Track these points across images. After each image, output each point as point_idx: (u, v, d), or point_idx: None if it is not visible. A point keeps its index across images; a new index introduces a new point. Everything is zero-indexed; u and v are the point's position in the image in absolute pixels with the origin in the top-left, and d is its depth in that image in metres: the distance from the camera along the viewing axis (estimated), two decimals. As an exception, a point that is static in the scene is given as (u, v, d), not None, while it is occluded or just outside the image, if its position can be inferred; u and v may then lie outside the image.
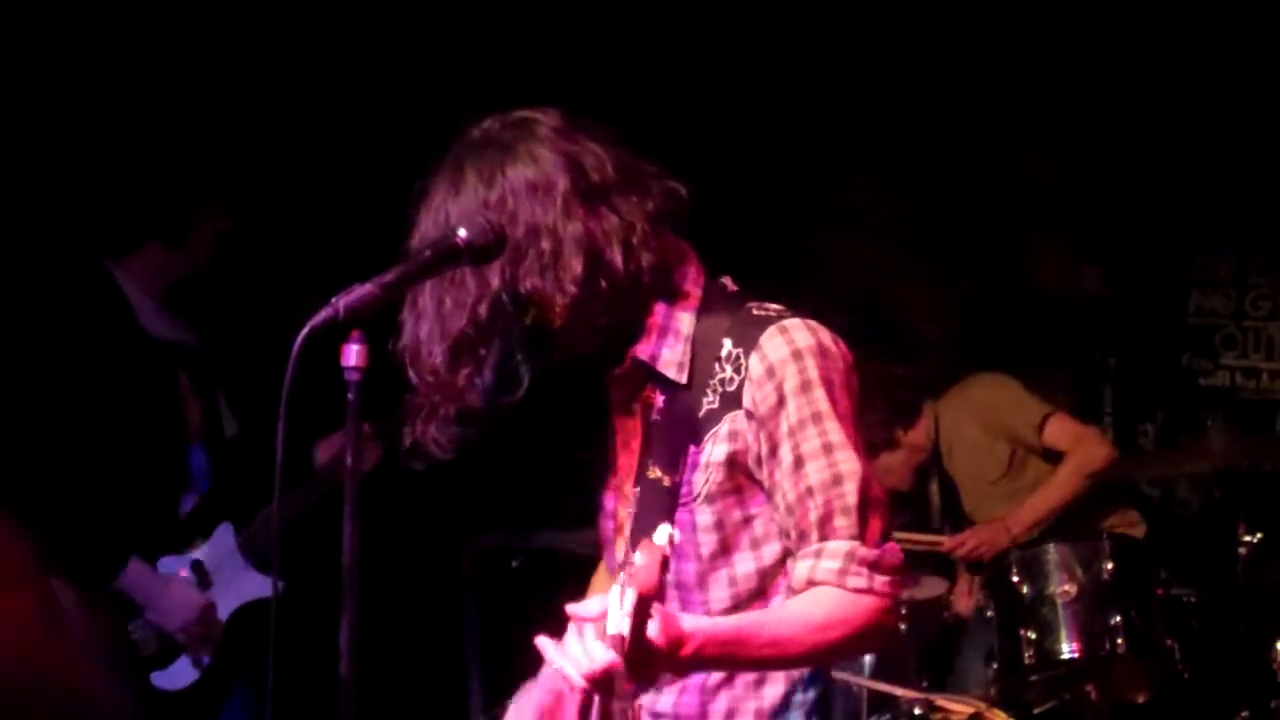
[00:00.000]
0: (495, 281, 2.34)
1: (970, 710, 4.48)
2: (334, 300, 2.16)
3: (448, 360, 2.37)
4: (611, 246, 2.36)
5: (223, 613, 4.36)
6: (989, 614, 4.79)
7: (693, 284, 2.47)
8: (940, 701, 4.53)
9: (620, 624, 2.03)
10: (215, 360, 4.60)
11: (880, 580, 2.34)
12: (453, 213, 2.35)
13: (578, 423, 2.76)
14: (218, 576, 4.37)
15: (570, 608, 2.22)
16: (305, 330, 2.14)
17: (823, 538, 2.34)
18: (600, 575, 2.80)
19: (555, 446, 5.44)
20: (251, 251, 5.11)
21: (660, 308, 2.44)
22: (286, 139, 5.53)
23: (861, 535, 2.34)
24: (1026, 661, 4.64)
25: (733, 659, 2.29)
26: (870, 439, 5.20)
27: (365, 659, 2.26)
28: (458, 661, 5.90)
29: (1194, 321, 6.37)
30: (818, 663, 2.45)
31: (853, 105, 6.19)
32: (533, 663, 2.72)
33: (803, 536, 2.36)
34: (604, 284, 2.35)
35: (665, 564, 2.06)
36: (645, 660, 2.08)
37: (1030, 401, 5.26)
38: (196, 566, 4.35)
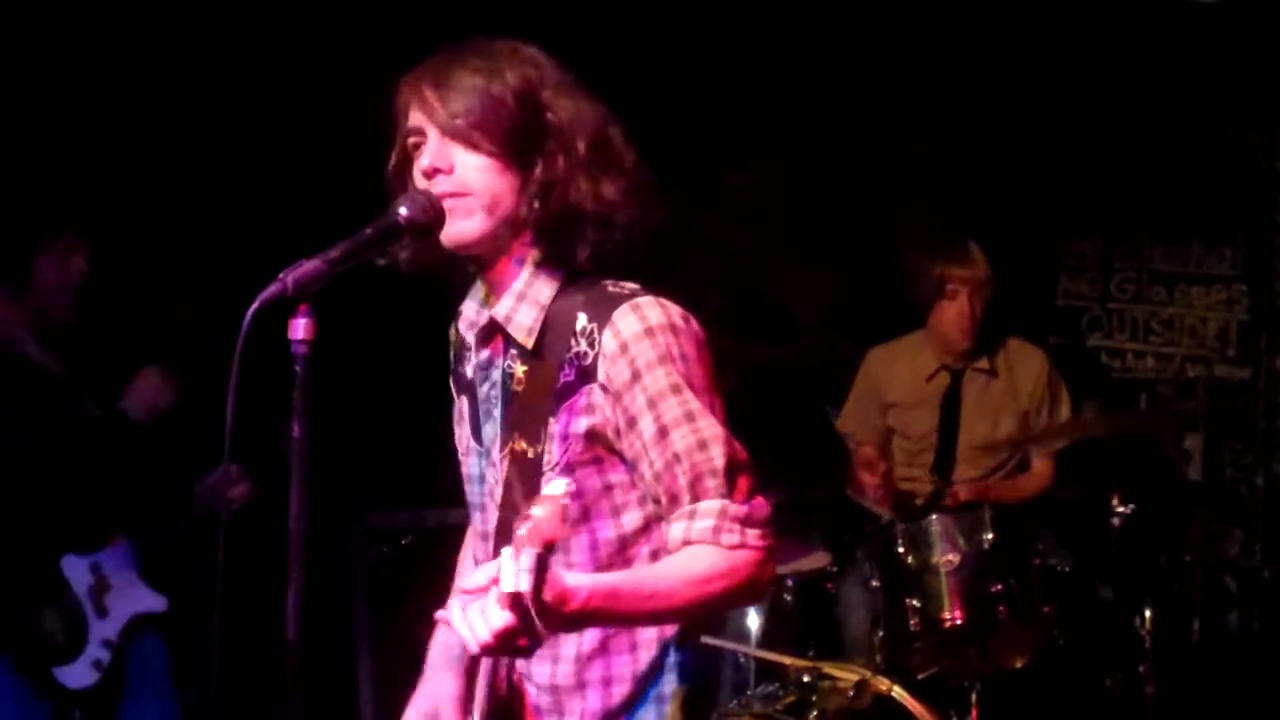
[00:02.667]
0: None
1: (856, 677, 4.57)
2: (281, 275, 2.21)
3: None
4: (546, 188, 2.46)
5: (117, 620, 4.42)
6: (874, 584, 4.92)
7: (560, 260, 2.52)
8: (827, 669, 4.62)
9: (517, 580, 2.05)
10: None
11: (753, 534, 2.41)
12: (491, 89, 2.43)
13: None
14: (115, 582, 4.44)
15: (458, 583, 2.25)
16: (254, 305, 2.18)
17: (694, 499, 2.41)
18: (468, 542, 2.86)
19: (438, 422, 5.52)
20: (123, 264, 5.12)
21: (523, 269, 2.52)
22: (140, 151, 5.50)
23: (730, 493, 2.42)
24: (911, 629, 4.76)
25: (615, 613, 2.32)
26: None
27: (255, 640, 2.33)
28: (346, 641, 5.93)
29: (1062, 303, 6.58)
30: (698, 615, 2.52)
31: (736, 93, 6.29)
32: (422, 641, 2.79)
33: (674, 500, 2.42)
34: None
35: (565, 514, 2.10)
36: (540, 616, 2.11)
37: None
38: (95, 569, 4.41)
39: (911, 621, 4.76)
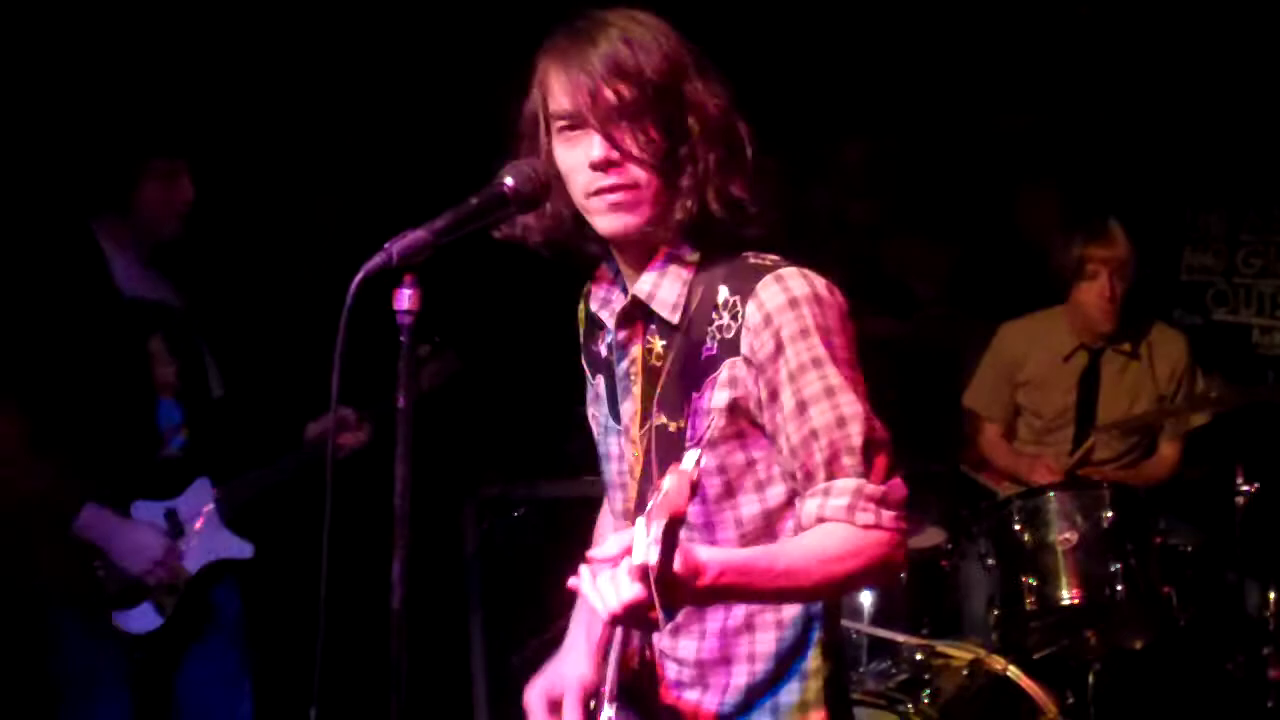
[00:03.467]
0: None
1: (970, 656, 4.53)
2: (387, 245, 2.21)
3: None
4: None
5: (192, 565, 4.40)
6: (990, 561, 4.86)
7: (697, 241, 2.51)
8: (940, 647, 4.59)
9: (648, 553, 2.05)
10: (202, 323, 4.63)
11: (887, 515, 2.39)
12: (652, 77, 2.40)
13: (578, 374, 2.82)
14: (190, 528, 4.42)
15: (590, 552, 2.24)
16: (360, 274, 2.19)
17: (829, 477, 2.39)
18: (603, 520, 2.87)
19: (555, 397, 5.53)
20: (247, 222, 5.15)
21: (670, 247, 2.49)
22: (269, 106, 5.55)
23: (867, 473, 2.39)
24: (1027, 608, 4.70)
25: (747, 589, 2.31)
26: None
27: (370, 612, 2.33)
28: (461, 613, 5.97)
29: (1186, 278, 6.45)
30: (829, 595, 2.50)
31: (848, 67, 6.24)
32: (535, 612, 2.79)
33: (809, 477, 2.40)
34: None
35: (694, 489, 2.08)
36: (670, 589, 2.10)
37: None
38: (170, 515, 4.39)
39: (1028, 600, 4.70)
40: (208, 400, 4.59)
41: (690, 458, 2.11)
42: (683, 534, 2.43)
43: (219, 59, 5.39)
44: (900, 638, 4.58)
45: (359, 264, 2.21)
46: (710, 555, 2.23)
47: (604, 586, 2.15)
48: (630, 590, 2.11)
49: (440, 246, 2.26)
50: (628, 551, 2.11)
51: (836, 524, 2.37)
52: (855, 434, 2.39)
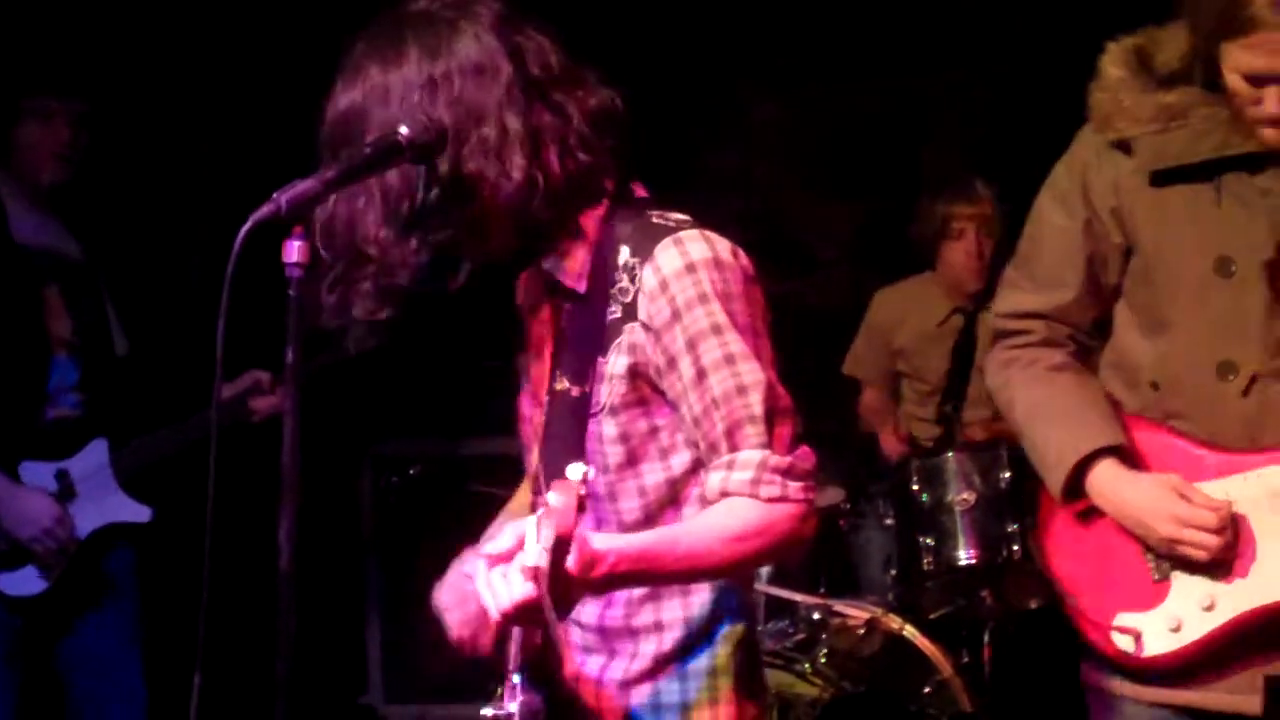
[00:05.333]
0: (440, 165, 2.29)
1: (867, 616, 4.56)
2: (275, 195, 2.11)
3: (390, 235, 2.32)
4: (549, 144, 2.33)
5: (83, 529, 4.27)
6: (888, 522, 4.88)
7: (604, 188, 2.43)
8: (838, 607, 4.61)
9: (538, 557, 2.00)
10: (107, 277, 4.50)
11: (794, 486, 2.32)
12: (393, 85, 2.30)
13: (478, 330, 2.76)
14: (84, 490, 4.29)
15: (485, 549, 2.17)
16: (247, 225, 2.09)
17: (732, 448, 2.31)
18: (525, 483, 2.78)
19: (457, 354, 5.47)
20: (160, 175, 5.04)
21: (574, 214, 2.41)
22: (182, 54, 5.44)
23: (771, 443, 2.32)
24: (924, 568, 4.72)
25: (648, 574, 2.27)
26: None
27: (262, 569, 2.26)
28: (357, 570, 5.91)
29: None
30: (735, 573, 2.43)
31: (758, 25, 6.21)
32: (432, 570, 2.73)
33: (713, 448, 2.33)
34: (540, 180, 2.32)
35: (582, 503, 2.03)
36: (562, 591, 2.05)
37: None
38: (61, 476, 4.26)
39: (925, 560, 4.72)
40: (109, 358, 4.44)
41: (577, 470, 2.04)
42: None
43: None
44: (797, 597, 4.59)
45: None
46: (608, 545, 2.18)
47: (496, 583, 2.10)
48: (521, 589, 2.06)
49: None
50: (520, 546, 2.06)
51: (740, 499, 2.31)
52: (756, 403, 2.31)
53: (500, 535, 2.14)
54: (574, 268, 2.41)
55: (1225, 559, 2.80)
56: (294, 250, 2.12)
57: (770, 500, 2.30)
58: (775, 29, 6.19)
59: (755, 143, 6.42)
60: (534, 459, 2.53)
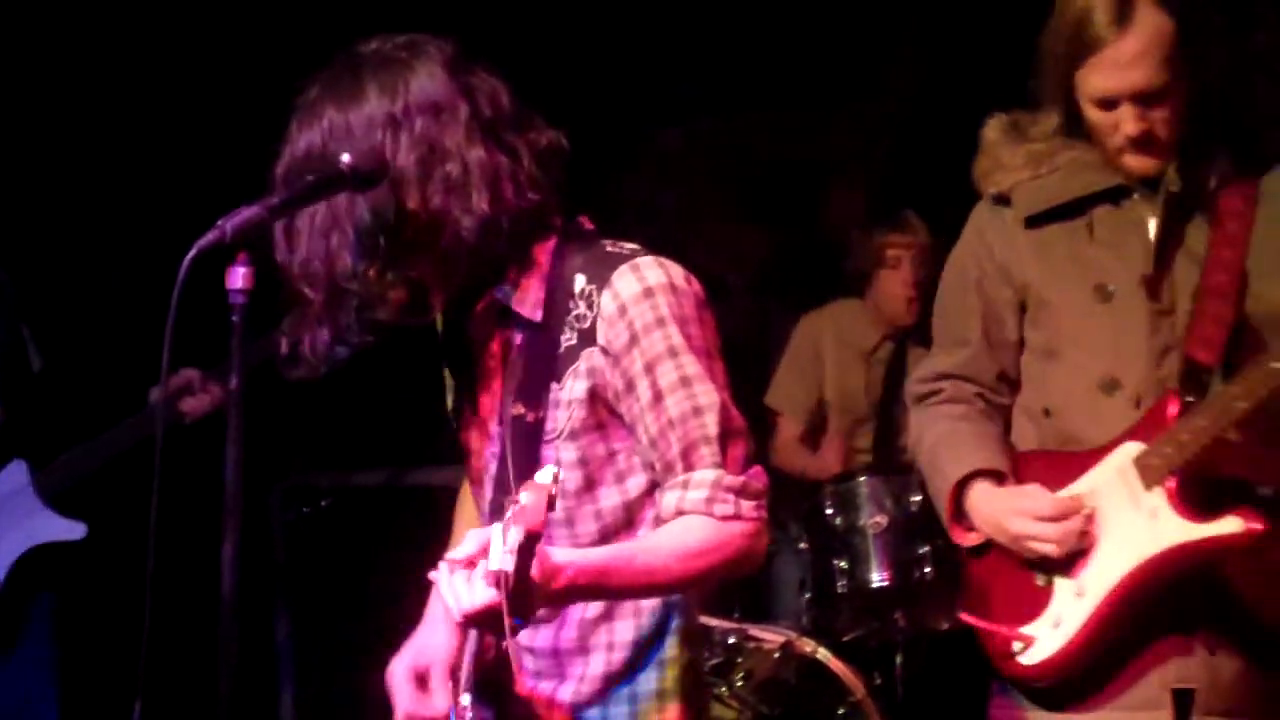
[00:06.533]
0: (406, 199, 2.35)
1: (781, 639, 4.60)
2: (220, 222, 2.15)
3: (368, 269, 2.37)
4: (505, 181, 2.39)
5: (6, 553, 4.19)
6: (802, 546, 4.94)
7: (553, 223, 2.50)
8: (753, 631, 4.64)
9: (503, 561, 2.04)
10: (18, 293, 4.43)
11: (747, 505, 2.38)
12: (352, 124, 2.35)
13: (402, 361, 2.79)
14: (4, 514, 4.21)
15: (448, 555, 2.22)
16: (192, 252, 2.12)
17: (688, 468, 2.38)
18: (467, 511, 2.84)
19: (377, 384, 5.46)
20: (70, 189, 5.00)
21: (528, 247, 2.47)
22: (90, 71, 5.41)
23: (725, 463, 2.38)
24: (838, 591, 4.79)
25: (605, 589, 2.32)
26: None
27: (172, 597, 2.27)
28: (267, 601, 5.87)
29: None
30: (690, 589, 2.49)
31: (668, 55, 6.26)
32: (339, 602, 2.75)
33: (668, 468, 2.39)
34: (501, 216, 2.38)
35: (552, 502, 2.07)
36: (524, 596, 2.09)
37: None
38: None
39: (839, 583, 4.79)
40: (25, 375, 4.38)
41: (548, 472, 2.09)
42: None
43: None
44: (713, 622, 4.62)
45: (186, 230, 2.17)
46: (566, 557, 2.23)
47: (458, 587, 2.14)
48: (483, 595, 2.10)
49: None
50: (484, 552, 2.09)
51: (695, 517, 2.37)
52: (711, 423, 2.38)
53: (464, 540, 2.18)
54: (529, 297, 2.47)
55: (1087, 547, 2.93)
56: (238, 277, 2.15)
57: (724, 518, 2.36)
58: (682, 58, 6.25)
59: (663, 172, 6.47)
60: (487, 490, 2.57)
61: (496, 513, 2.44)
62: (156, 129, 5.60)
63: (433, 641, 2.70)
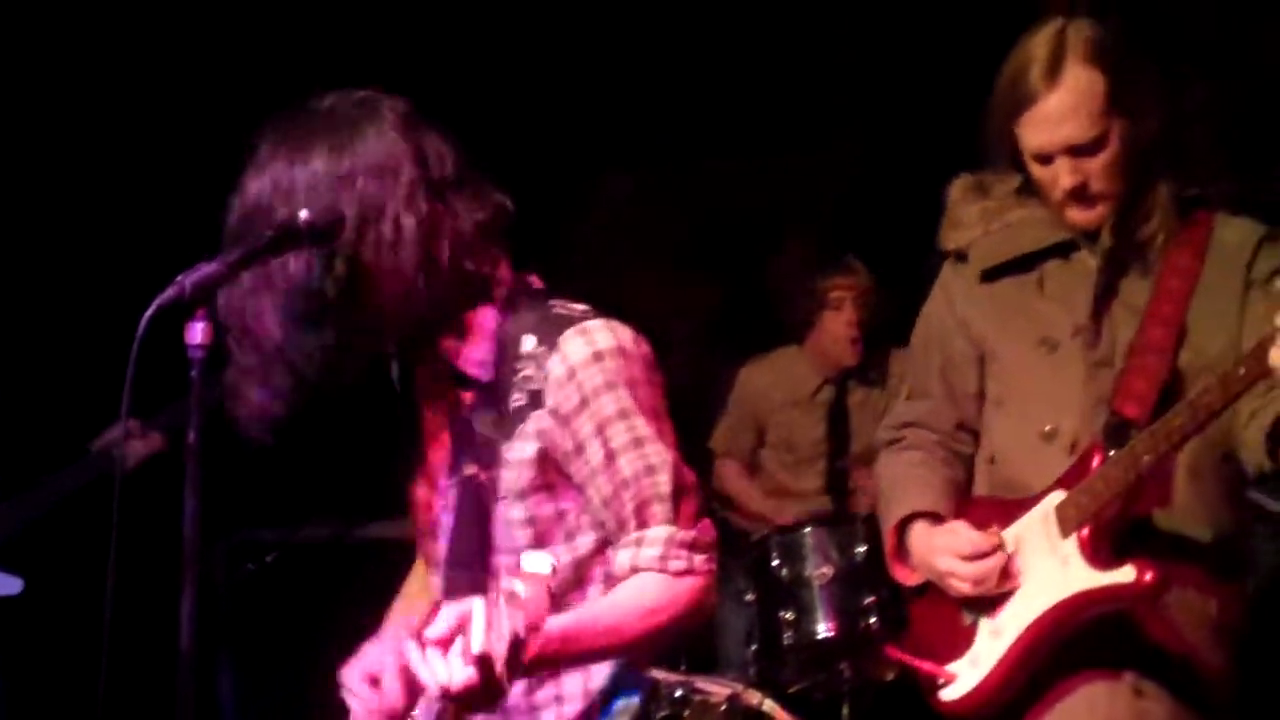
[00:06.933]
0: (334, 259, 2.37)
1: (728, 692, 4.59)
2: (179, 278, 2.18)
3: (285, 331, 2.39)
4: (442, 241, 2.43)
5: None
6: (748, 598, 4.95)
7: (501, 282, 2.54)
8: (699, 684, 4.62)
9: (493, 645, 2.05)
10: None
11: (699, 559, 2.45)
12: (298, 180, 2.39)
13: (347, 415, 2.80)
14: None
15: (425, 632, 2.23)
16: (151, 309, 2.16)
17: (641, 525, 2.43)
18: (418, 568, 2.85)
19: (322, 439, 5.46)
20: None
21: (469, 308, 2.51)
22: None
23: (677, 519, 2.44)
24: (785, 642, 4.80)
25: (571, 655, 2.36)
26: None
27: (117, 652, 2.28)
28: (210, 658, 5.83)
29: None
30: (650, 646, 2.54)
31: (613, 105, 6.31)
32: (284, 658, 2.75)
33: (621, 526, 2.44)
34: (431, 277, 2.42)
35: (551, 594, 2.11)
36: (510, 679, 2.12)
37: None
38: None
39: (785, 635, 4.80)
40: None
41: (544, 561, 2.12)
42: (493, 584, 2.47)
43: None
44: (659, 674, 4.62)
45: (130, 275, 2.19)
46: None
47: (436, 665, 2.15)
48: (463, 674, 2.11)
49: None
50: (462, 628, 2.11)
51: (650, 574, 2.42)
52: (664, 482, 2.43)
53: (440, 616, 2.19)
54: (476, 356, 2.51)
55: (1009, 590, 3.01)
56: (197, 332, 2.18)
57: (677, 574, 2.42)
58: (631, 105, 6.31)
59: (612, 220, 6.51)
60: (437, 545, 2.61)
61: (456, 567, 2.48)
62: (105, 183, 5.61)
63: (388, 647, 2.69)
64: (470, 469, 2.49)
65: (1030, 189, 3.08)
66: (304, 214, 2.34)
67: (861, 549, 4.80)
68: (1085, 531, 2.93)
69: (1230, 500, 3.04)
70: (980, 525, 3.06)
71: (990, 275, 3.14)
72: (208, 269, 2.21)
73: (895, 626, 4.75)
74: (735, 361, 6.04)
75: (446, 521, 2.56)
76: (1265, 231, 3.05)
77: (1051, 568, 2.96)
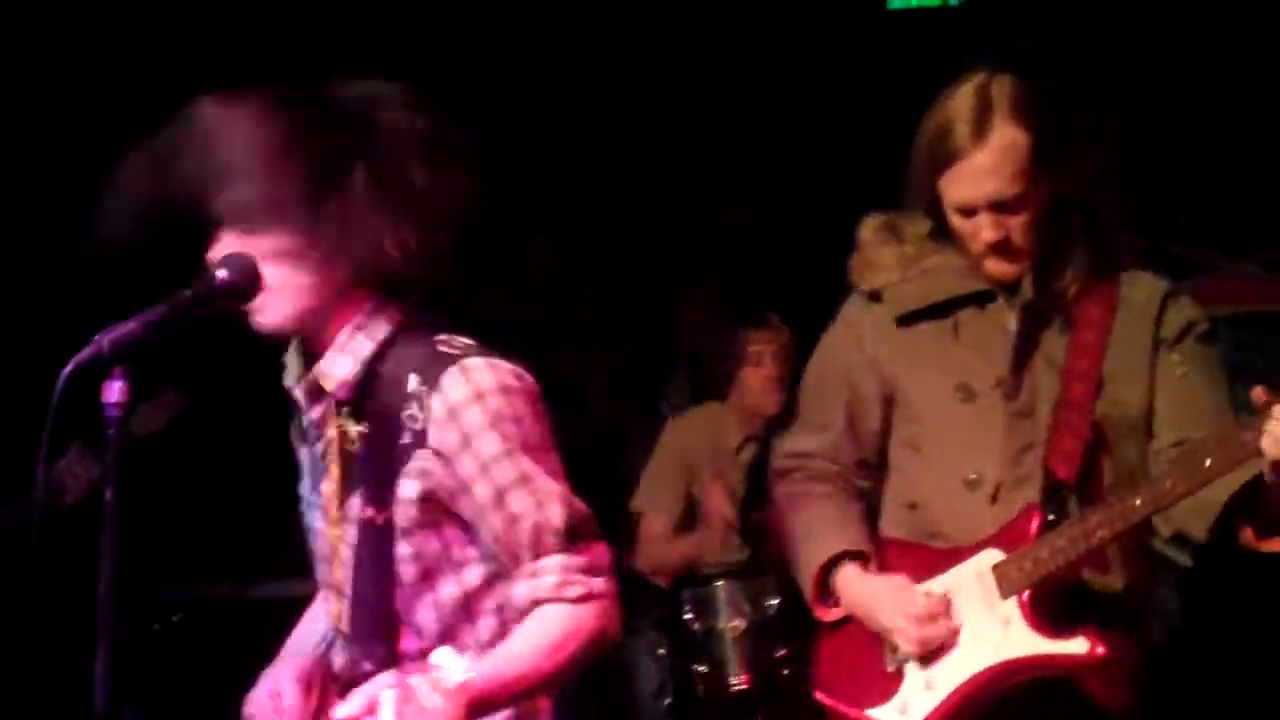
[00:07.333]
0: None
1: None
2: (97, 337, 2.18)
3: None
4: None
5: None
6: (661, 651, 4.97)
7: (389, 317, 2.53)
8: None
9: None
10: None
11: (597, 582, 2.45)
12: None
13: (250, 472, 2.81)
14: None
15: (336, 711, 2.29)
16: (69, 367, 2.15)
17: (535, 558, 2.44)
18: (310, 615, 2.85)
19: (228, 496, 5.43)
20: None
21: (346, 326, 2.51)
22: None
23: (571, 548, 2.45)
24: (698, 695, 4.83)
25: (495, 703, 2.37)
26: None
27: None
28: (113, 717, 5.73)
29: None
30: (565, 677, 2.51)
31: (531, 164, 6.35)
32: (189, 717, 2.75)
33: (516, 560, 2.45)
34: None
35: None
36: None
37: None
38: None
39: (698, 687, 4.83)
40: None
41: (457, 665, 2.18)
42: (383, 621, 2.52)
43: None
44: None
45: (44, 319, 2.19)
46: (455, 690, 2.28)
47: None
48: None
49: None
50: (370, 709, 2.16)
51: (551, 605, 2.43)
52: (556, 514, 2.44)
53: (348, 701, 2.25)
54: (340, 372, 2.50)
55: (942, 642, 3.03)
56: (114, 390, 2.18)
57: (578, 600, 2.43)
58: (547, 168, 6.34)
59: (528, 280, 6.53)
60: (331, 570, 2.60)
61: (360, 608, 2.51)
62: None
63: (282, 671, 2.70)
64: (368, 510, 2.48)
65: (943, 234, 3.12)
66: (222, 273, 2.34)
67: (774, 601, 4.84)
68: (1027, 596, 2.97)
69: (1141, 552, 3.09)
70: (904, 571, 3.10)
71: (906, 320, 3.17)
72: (126, 328, 2.20)
73: (808, 678, 4.81)
74: (652, 418, 6.05)
75: (345, 554, 2.55)
76: (1169, 288, 3.13)
77: (990, 627, 2.99)
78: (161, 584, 5.75)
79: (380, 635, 2.50)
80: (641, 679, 5.14)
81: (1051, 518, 2.97)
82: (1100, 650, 2.90)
